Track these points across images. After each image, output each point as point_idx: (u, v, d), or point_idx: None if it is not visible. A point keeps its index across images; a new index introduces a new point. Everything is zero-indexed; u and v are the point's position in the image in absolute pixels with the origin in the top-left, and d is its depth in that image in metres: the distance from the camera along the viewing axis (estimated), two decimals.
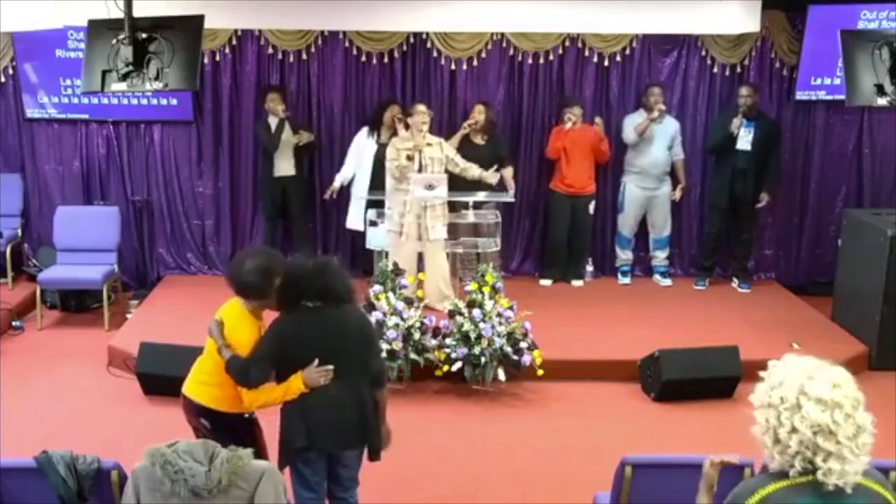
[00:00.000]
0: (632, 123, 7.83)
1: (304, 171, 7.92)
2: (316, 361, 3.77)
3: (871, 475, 2.26)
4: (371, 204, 7.29)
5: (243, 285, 3.87)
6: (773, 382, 2.23)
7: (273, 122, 7.59)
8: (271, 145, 7.63)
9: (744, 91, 7.71)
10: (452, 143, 7.32)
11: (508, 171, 7.45)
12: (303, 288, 3.81)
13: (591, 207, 7.96)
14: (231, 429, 3.89)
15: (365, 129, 7.70)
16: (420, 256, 7.03)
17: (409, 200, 6.82)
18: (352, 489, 4.01)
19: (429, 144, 6.88)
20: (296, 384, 3.79)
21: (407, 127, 7.03)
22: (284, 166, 7.76)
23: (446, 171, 6.88)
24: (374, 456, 3.98)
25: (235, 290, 3.91)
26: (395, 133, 7.44)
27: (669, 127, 7.86)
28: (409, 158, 6.78)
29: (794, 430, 2.15)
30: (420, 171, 6.78)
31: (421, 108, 6.96)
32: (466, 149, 7.46)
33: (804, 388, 2.17)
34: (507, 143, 7.93)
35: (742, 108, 7.63)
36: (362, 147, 7.65)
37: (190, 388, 4.05)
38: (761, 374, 2.27)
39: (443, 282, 7.00)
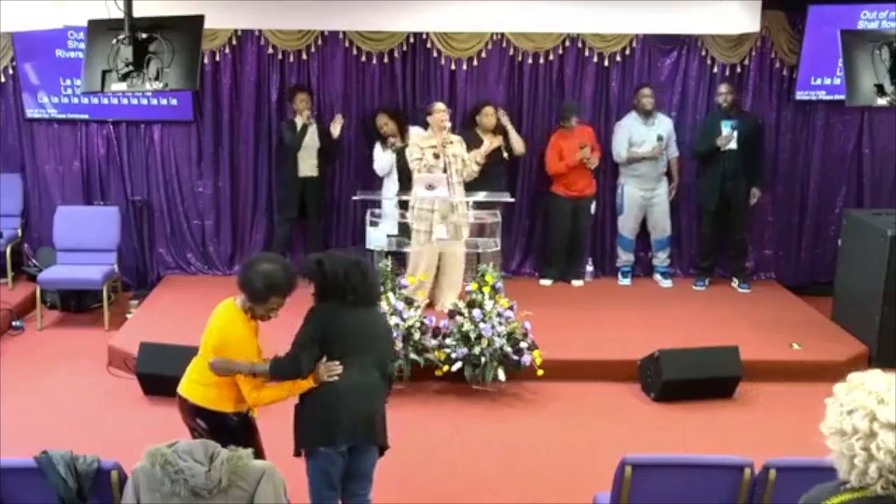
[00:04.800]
0: (624, 131, 7.82)
1: (326, 173, 7.90)
2: (325, 358, 3.82)
3: None
4: (371, 204, 7.30)
5: (245, 279, 3.91)
6: (843, 409, 2.14)
7: (299, 122, 7.58)
8: (295, 145, 7.63)
9: (723, 88, 7.74)
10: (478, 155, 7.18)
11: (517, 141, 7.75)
12: (347, 286, 3.86)
13: (593, 208, 7.97)
14: (227, 428, 3.89)
15: (377, 145, 7.69)
16: (440, 256, 7.04)
17: (438, 200, 6.82)
18: (368, 486, 4.03)
19: (451, 142, 6.89)
20: (304, 380, 3.83)
21: (401, 129, 7.23)
22: (308, 167, 7.74)
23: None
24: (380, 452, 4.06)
25: (238, 281, 3.97)
26: (395, 137, 7.48)
27: (663, 129, 7.84)
28: (436, 157, 6.80)
29: (871, 458, 2.07)
30: (445, 169, 6.80)
31: (440, 105, 6.98)
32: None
33: (876, 415, 2.08)
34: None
35: (724, 106, 7.67)
36: (382, 161, 7.66)
37: (185, 387, 4.05)
38: (827, 400, 2.19)
39: (458, 284, 7.00)
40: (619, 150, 7.87)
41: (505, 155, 7.62)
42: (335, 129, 7.64)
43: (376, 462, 4.03)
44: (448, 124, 6.88)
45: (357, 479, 3.97)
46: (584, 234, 8.02)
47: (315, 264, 3.92)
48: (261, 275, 3.85)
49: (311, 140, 7.66)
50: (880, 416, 2.08)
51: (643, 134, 7.79)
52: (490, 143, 7.22)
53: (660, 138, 7.74)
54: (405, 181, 7.16)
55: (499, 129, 7.64)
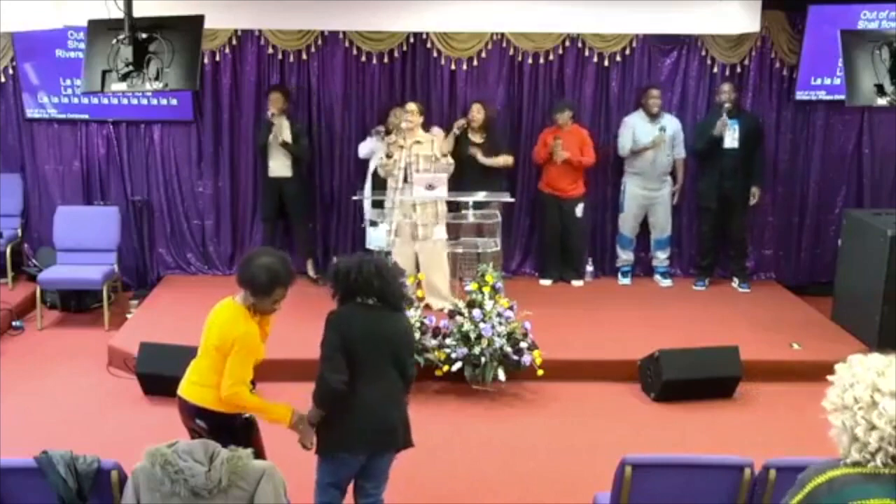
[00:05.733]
0: (628, 129, 7.82)
1: (302, 173, 7.88)
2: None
3: None
4: (371, 204, 7.31)
5: (246, 275, 3.89)
6: (845, 384, 2.21)
7: (276, 121, 7.59)
8: (259, 142, 7.71)
9: (725, 87, 7.74)
10: (446, 145, 7.28)
11: (501, 159, 7.65)
12: (360, 282, 3.85)
13: (579, 210, 7.92)
14: (227, 429, 3.88)
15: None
16: (417, 257, 7.03)
17: (396, 198, 6.88)
18: (383, 485, 4.05)
19: (418, 142, 6.90)
20: (278, 414, 3.93)
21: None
22: (279, 167, 7.73)
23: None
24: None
25: (238, 278, 3.96)
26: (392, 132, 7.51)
27: (669, 127, 7.85)
28: (388, 156, 6.86)
29: (873, 427, 2.14)
30: (406, 168, 6.82)
31: (409, 106, 7.00)
32: (465, 146, 7.53)
33: (877, 386, 2.15)
34: (506, 137, 7.94)
35: (727, 105, 7.65)
36: (367, 145, 7.69)
37: (185, 389, 4.05)
38: (830, 378, 2.26)
39: (440, 283, 6.99)
40: (625, 143, 7.85)
41: (479, 156, 7.57)
42: (285, 134, 7.60)
43: (392, 461, 4.04)
44: (405, 125, 6.87)
45: (372, 478, 3.99)
46: (574, 234, 7.99)
47: (333, 265, 3.97)
48: (263, 268, 3.85)
49: (278, 139, 7.62)
50: (881, 385, 2.15)
51: (648, 133, 7.78)
52: (455, 129, 7.34)
53: (662, 129, 7.72)
54: (376, 180, 7.30)
55: (485, 125, 7.62)
